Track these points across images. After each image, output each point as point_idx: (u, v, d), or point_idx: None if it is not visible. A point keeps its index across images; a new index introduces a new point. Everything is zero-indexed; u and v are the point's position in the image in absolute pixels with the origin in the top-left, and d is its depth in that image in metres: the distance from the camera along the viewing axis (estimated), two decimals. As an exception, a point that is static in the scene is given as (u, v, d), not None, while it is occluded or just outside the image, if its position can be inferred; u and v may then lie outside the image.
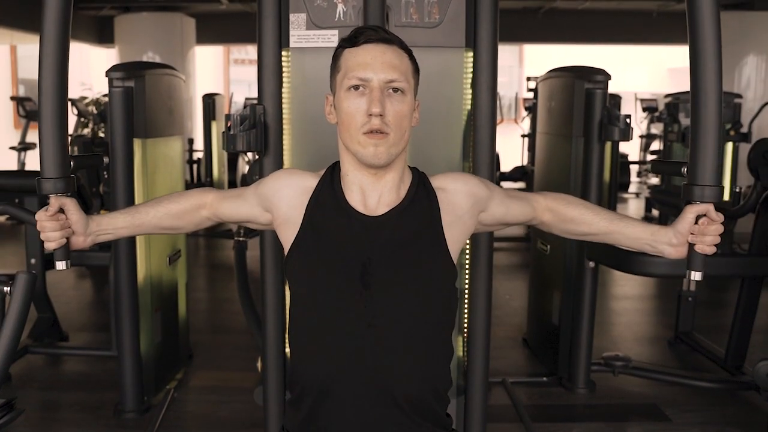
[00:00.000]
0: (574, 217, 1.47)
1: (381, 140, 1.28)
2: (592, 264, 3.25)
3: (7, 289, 1.99)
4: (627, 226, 1.44)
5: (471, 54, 2.00)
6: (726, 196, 5.83)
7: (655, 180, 9.72)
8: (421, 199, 1.37)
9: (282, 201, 1.40)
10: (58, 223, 1.39)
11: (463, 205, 1.40)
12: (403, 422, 1.31)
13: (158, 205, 1.49)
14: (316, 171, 1.43)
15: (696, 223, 1.38)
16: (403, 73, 1.31)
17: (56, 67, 1.40)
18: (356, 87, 1.30)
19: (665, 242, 1.40)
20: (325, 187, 1.38)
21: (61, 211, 1.40)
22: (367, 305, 1.29)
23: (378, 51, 1.31)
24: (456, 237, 1.38)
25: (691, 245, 1.39)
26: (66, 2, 1.39)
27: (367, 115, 1.28)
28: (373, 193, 1.35)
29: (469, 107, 2.04)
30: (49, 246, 1.40)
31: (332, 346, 1.31)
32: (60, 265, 1.43)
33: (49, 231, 1.38)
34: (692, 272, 1.40)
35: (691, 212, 1.38)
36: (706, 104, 1.37)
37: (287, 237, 1.39)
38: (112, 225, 1.46)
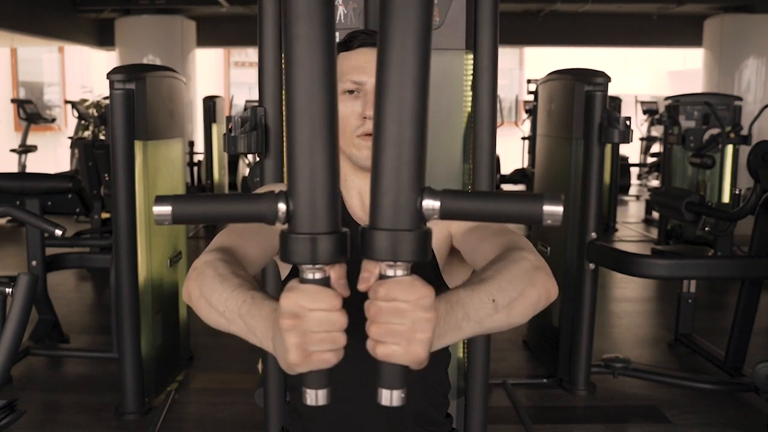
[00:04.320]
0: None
1: None
2: (592, 266, 3.25)
3: (8, 290, 1.99)
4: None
5: (471, 56, 2.01)
6: (726, 198, 5.85)
7: (655, 182, 9.74)
8: None
9: None
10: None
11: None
12: (400, 428, 1.31)
13: (240, 271, 1.03)
14: None
15: None
16: None
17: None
18: (351, 91, 1.29)
19: None
20: None
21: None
22: (363, 311, 1.29)
23: (372, 54, 1.30)
24: (445, 236, 1.37)
25: None
26: None
27: (361, 118, 1.28)
28: None
29: (469, 110, 2.04)
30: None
31: None
32: None
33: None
34: None
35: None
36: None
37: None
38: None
